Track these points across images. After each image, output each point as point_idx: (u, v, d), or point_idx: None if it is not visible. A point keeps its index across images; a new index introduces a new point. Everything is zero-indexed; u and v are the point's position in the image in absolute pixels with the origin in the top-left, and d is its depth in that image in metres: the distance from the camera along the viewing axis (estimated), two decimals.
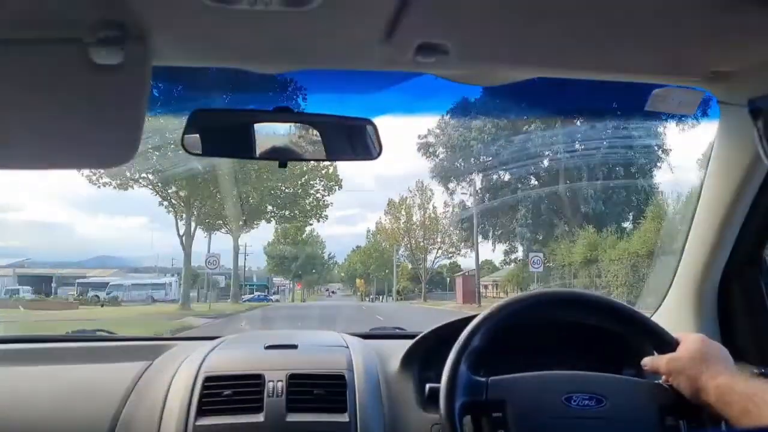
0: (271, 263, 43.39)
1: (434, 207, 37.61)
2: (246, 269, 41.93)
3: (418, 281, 43.06)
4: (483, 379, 1.11)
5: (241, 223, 24.56)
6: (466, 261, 36.77)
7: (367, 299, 46.19)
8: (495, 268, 39.10)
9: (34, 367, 1.51)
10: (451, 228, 33.80)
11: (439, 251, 37.82)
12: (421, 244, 37.57)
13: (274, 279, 44.32)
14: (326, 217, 26.13)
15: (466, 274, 30.78)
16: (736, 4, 0.82)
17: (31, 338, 1.81)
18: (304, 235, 42.68)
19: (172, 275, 30.55)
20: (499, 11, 0.87)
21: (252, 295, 34.86)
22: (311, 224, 27.74)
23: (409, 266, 42.80)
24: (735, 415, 0.96)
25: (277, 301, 36.87)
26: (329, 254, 51.09)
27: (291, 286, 45.09)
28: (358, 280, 49.70)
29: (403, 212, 39.04)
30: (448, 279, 42.05)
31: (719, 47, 1.01)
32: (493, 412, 1.09)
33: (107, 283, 27.76)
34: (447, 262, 39.96)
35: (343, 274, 54.67)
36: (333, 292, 54.58)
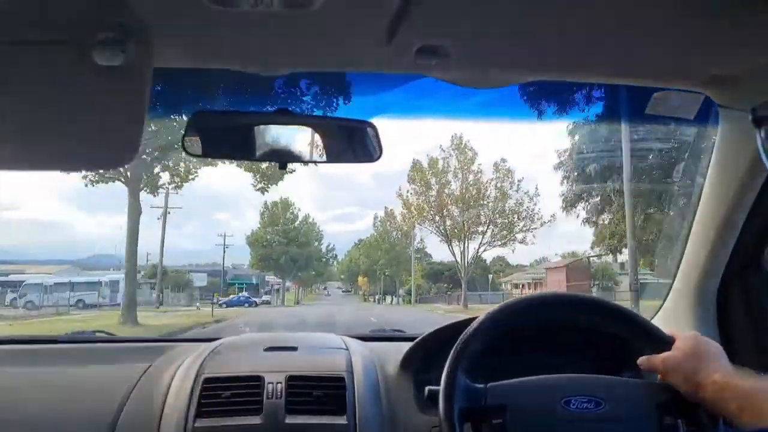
0: (255, 257, 34.71)
1: (479, 170, 26.04)
2: (245, 266, 35.90)
3: (436, 278, 35.50)
4: (481, 386, 1.11)
5: (145, 156, 13.86)
6: (493, 253, 28.54)
7: (371, 299, 40.17)
8: (508, 266, 33.44)
9: (32, 368, 1.51)
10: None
11: (486, 236, 26.12)
12: (461, 224, 25.97)
13: (267, 277, 36.91)
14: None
15: (574, 262, 22.68)
16: (735, 8, 0.83)
17: (29, 339, 1.81)
18: (296, 222, 35.24)
19: (120, 271, 22.45)
20: (499, 14, 0.88)
21: (229, 298, 28.13)
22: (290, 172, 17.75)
23: (422, 263, 35.31)
24: (732, 411, 0.96)
25: (266, 303, 30.88)
26: (328, 245, 42.04)
27: (283, 285, 36.81)
28: (360, 278, 42.79)
29: (433, 179, 26.73)
30: (490, 276, 33.15)
31: (718, 51, 1.01)
32: (493, 418, 1.09)
33: (22, 282, 21.20)
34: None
35: (343, 276, 48.12)
36: (346, 291, 47.41)
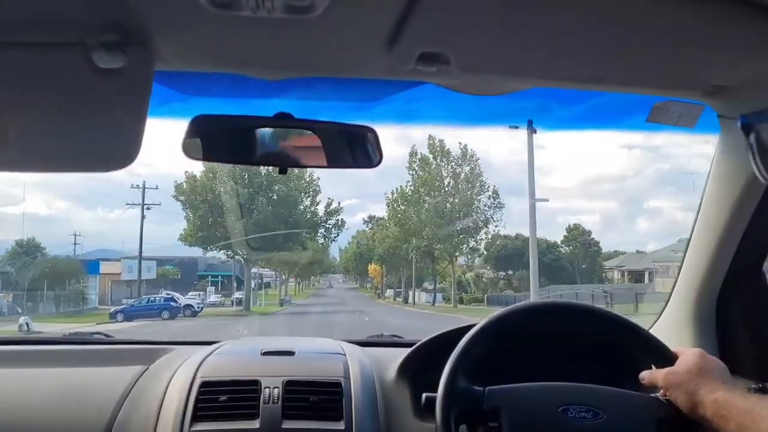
0: (191, 223, 19.29)
1: None
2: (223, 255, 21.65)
3: (504, 264, 21.10)
4: (480, 389, 1.11)
5: None
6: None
7: (388, 297, 27.81)
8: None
9: (28, 369, 1.51)
10: None
11: None
12: None
13: (253, 269, 21.27)
14: None
15: None
16: (735, 18, 0.83)
17: (25, 340, 1.81)
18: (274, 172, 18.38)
19: None
20: (501, 22, 0.88)
21: (133, 303, 17.55)
22: None
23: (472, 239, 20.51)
24: (732, 431, 0.96)
25: (237, 303, 20.21)
26: (329, 204, 23.11)
27: (247, 276, 20.72)
28: (371, 267, 31.40)
29: None
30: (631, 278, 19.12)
31: (718, 62, 1.02)
32: (490, 421, 1.08)
33: None
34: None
35: (347, 267, 36.18)
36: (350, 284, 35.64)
